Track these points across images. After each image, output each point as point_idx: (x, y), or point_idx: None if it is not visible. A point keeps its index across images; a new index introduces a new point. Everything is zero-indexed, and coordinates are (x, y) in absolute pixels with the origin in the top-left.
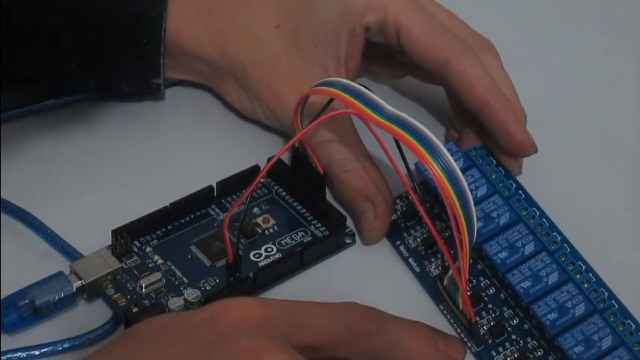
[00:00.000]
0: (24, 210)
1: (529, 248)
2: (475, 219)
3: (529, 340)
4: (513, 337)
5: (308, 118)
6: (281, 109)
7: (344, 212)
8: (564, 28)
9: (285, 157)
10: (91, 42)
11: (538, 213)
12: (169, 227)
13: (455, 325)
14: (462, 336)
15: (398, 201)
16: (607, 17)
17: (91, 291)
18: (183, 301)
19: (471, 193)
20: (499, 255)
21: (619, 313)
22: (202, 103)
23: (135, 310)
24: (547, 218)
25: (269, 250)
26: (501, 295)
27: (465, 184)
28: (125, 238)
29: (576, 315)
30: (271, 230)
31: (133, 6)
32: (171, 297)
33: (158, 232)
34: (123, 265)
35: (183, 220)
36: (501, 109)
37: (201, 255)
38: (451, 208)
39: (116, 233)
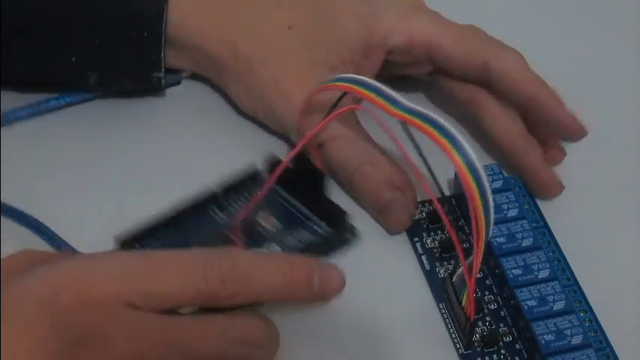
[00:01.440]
0: (24, 210)
1: (543, 274)
2: (492, 214)
3: (517, 359)
4: (503, 352)
5: (310, 116)
6: (285, 107)
7: (345, 209)
8: (566, 27)
9: (284, 156)
10: (91, 36)
11: (558, 255)
12: (169, 228)
13: (449, 325)
14: (454, 337)
15: (420, 206)
16: (609, 16)
17: None
18: None
19: (501, 212)
20: (513, 271)
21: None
22: (202, 104)
23: None
24: (565, 260)
25: (271, 249)
26: (501, 312)
27: (485, 177)
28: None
29: (572, 343)
30: (273, 229)
31: (133, 0)
32: None
33: (158, 233)
34: None
35: (183, 221)
36: (549, 100)
37: None
38: (470, 200)
39: (124, 243)
